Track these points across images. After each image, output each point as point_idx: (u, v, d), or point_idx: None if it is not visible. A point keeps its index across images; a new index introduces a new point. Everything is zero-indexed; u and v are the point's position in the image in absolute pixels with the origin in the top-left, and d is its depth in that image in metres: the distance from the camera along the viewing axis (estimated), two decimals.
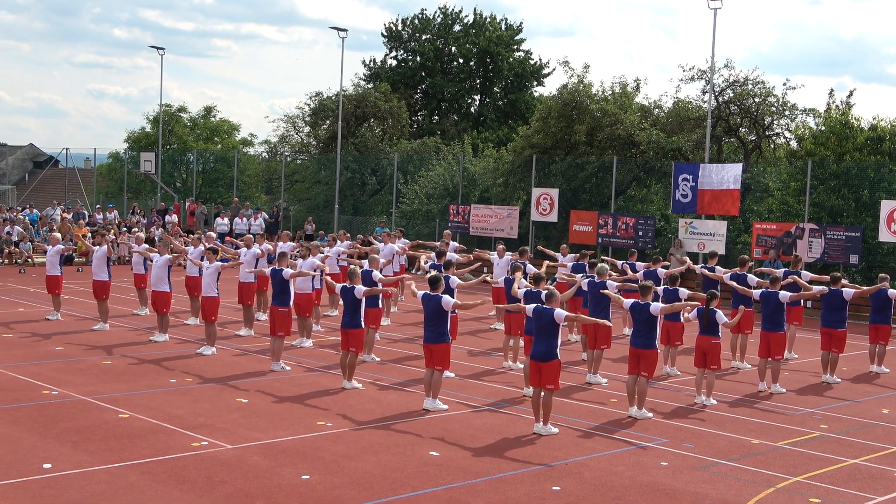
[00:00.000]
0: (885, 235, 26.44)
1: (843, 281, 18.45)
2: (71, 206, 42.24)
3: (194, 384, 15.51)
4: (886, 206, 26.36)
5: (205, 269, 18.51)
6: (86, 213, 40.56)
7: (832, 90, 70.23)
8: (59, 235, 22.93)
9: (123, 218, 40.67)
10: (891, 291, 18.64)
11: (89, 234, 30.41)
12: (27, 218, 37.30)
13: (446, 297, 14.05)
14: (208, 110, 55.21)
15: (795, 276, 18.98)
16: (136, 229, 33.56)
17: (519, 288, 15.75)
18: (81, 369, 16.35)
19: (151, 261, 19.94)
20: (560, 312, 12.93)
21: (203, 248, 20.23)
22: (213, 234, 24.07)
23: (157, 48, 45.83)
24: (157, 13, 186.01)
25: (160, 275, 19.38)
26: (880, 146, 29.04)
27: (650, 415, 14.25)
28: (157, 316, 19.60)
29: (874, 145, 29.10)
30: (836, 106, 31.88)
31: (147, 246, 22.20)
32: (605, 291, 15.94)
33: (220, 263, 18.58)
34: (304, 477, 10.89)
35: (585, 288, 17.26)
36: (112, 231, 33.24)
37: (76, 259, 33.22)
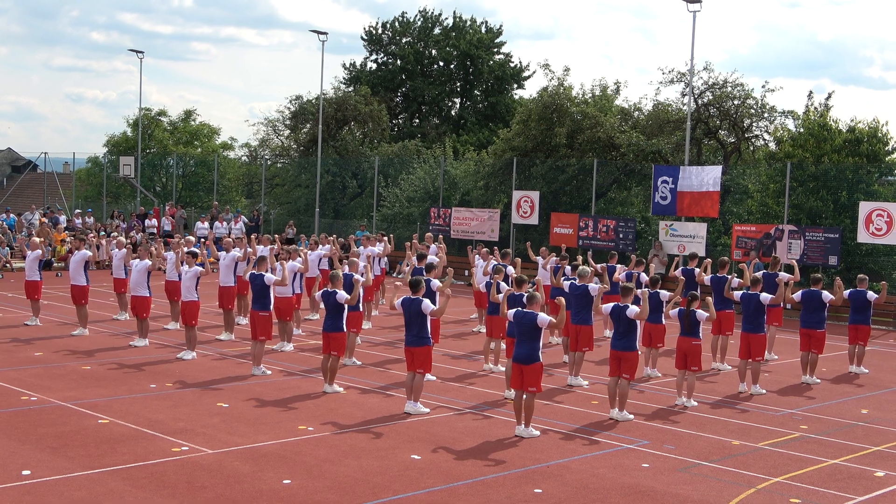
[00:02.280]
0: (863, 237, 26.59)
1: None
2: (50, 210, 42.02)
3: (174, 389, 15.45)
4: (865, 207, 26.50)
5: (184, 273, 18.42)
6: (64, 217, 40.35)
7: (811, 92, 70.57)
8: (38, 240, 22.77)
9: (103, 222, 40.46)
10: (869, 294, 18.76)
11: (69, 239, 30.27)
12: (4, 223, 37.05)
13: (426, 302, 14.03)
14: (188, 114, 55.04)
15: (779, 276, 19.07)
16: (115, 234, 33.37)
17: (499, 292, 15.75)
18: (61, 375, 16.26)
19: (130, 267, 19.71)
20: (543, 317, 12.94)
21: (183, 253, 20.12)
22: (192, 239, 23.97)
23: (137, 52, 45.68)
24: (135, 16, 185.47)
25: (140, 279, 19.29)
26: (858, 148, 29.21)
27: (631, 417, 14.28)
28: (136, 321, 19.51)
29: (852, 147, 29.26)
30: (815, 108, 32.05)
31: (125, 251, 22.05)
32: (596, 306, 15.76)
33: (199, 268, 18.49)
34: (285, 481, 10.86)
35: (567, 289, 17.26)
36: (92, 235, 33.06)
37: (55, 264, 33.03)
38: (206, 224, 37.70)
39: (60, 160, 60.73)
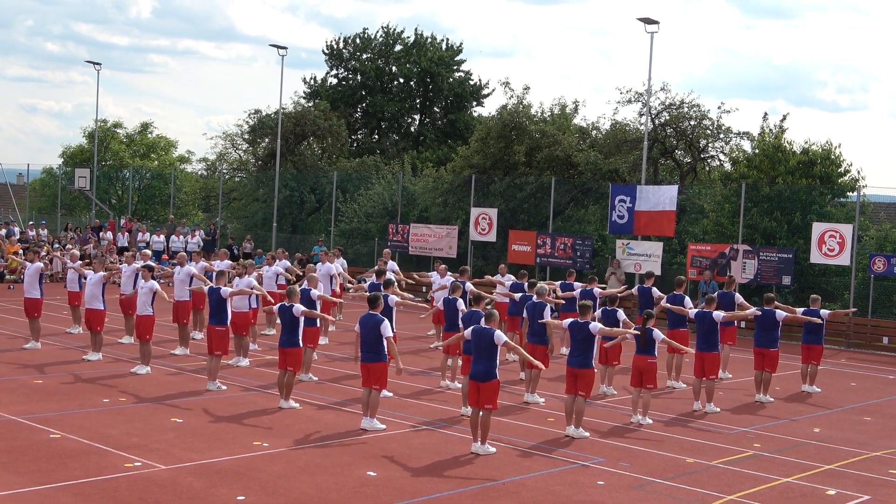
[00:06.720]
0: (816, 257, 26.92)
1: (777, 303, 18.74)
2: (2, 222, 41.45)
3: (128, 404, 15.29)
4: (818, 228, 26.86)
5: (140, 287, 18.27)
6: (17, 229, 39.83)
7: (766, 114, 71.50)
8: None
9: (57, 235, 40.00)
10: (823, 312, 18.99)
11: (21, 251, 29.87)
12: None
13: (385, 323, 13.96)
14: (145, 126, 54.67)
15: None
16: (69, 246, 33.00)
17: (459, 310, 15.79)
18: (12, 388, 16.02)
19: (86, 278, 19.69)
20: (500, 334, 12.97)
21: (138, 266, 19.97)
22: (149, 252, 23.77)
23: (94, 63, 45.30)
24: (91, 27, 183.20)
25: (94, 292, 19.10)
26: (811, 170, 29.62)
27: (587, 434, 14.34)
28: (90, 334, 19.30)
29: (805, 169, 29.67)
30: (770, 130, 32.47)
31: (81, 262, 21.84)
32: (544, 321, 16.07)
33: (155, 282, 18.34)
34: (239, 498, 10.78)
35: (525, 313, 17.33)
36: (45, 248, 32.69)
37: (7, 276, 32.60)
38: (162, 238, 37.39)
39: (14, 171, 60.04)
